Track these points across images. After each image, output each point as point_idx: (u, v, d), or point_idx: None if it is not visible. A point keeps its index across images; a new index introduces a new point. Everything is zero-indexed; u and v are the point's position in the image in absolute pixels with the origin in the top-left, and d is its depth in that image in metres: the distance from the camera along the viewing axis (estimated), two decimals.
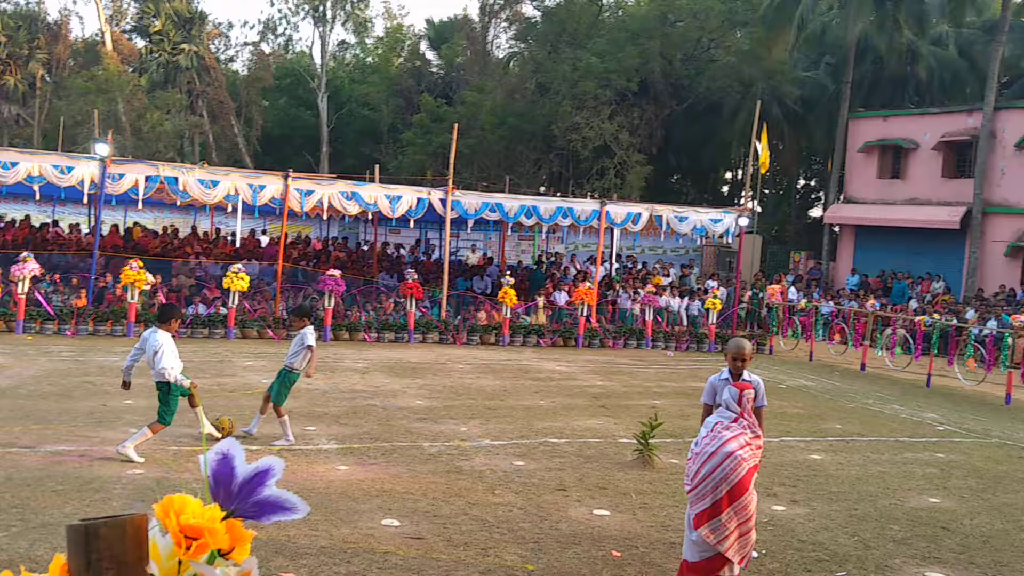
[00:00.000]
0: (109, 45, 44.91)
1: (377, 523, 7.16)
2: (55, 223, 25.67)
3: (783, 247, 39.82)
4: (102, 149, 19.18)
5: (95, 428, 9.99)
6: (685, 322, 23.86)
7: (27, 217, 25.87)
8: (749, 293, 27.05)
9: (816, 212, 43.68)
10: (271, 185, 20.12)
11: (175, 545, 0.94)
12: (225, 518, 1.01)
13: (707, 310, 23.00)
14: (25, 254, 18.33)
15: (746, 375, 6.69)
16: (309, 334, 10.19)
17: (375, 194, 20.99)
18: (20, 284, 17.99)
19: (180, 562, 0.95)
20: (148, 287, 18.97)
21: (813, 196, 46.28)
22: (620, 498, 8.35)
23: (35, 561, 5.73)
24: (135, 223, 28.08)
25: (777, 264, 36.51)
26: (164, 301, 18.77)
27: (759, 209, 37.98)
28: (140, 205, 21.00)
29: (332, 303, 19.80)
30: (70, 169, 18.74)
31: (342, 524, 7.08)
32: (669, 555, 6.73)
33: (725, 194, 45.07)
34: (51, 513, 6.85)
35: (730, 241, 27.11)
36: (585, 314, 21.60)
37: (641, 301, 22.90)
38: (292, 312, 11.62)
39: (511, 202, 22.36)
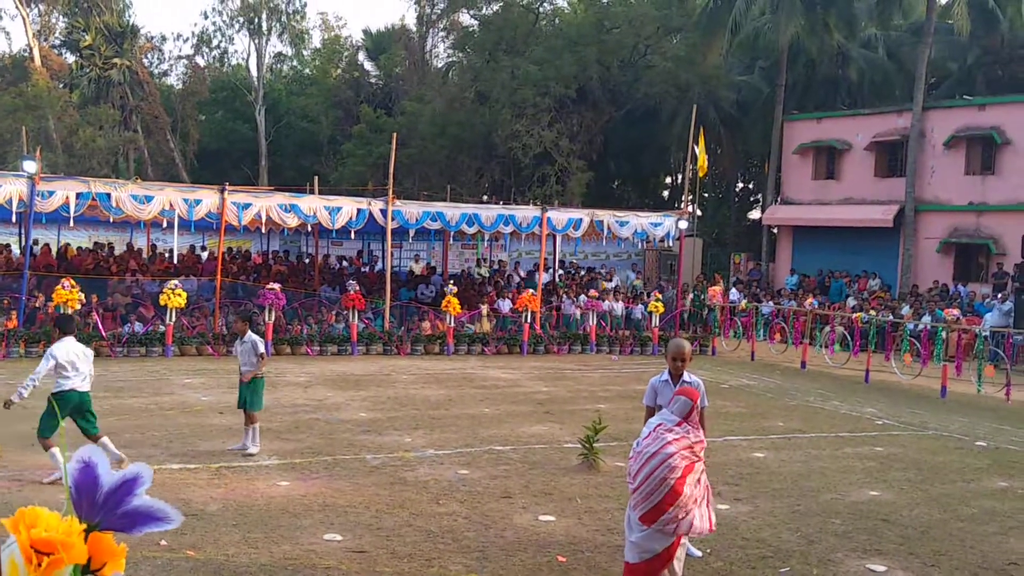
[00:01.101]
0: (38, 61, 43.81)
1: (319, 538, 7.03)
2: None
3: (724, 249, 40.36)
4: (30, 166, 18.67)
5: (28, 452, 9.66)
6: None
7: None
8: (691, 295, 27.32)
9: (755, 214, 44.36)
10: (207, 199, 19.78)
11: (25, 561, 0.87)
12: (88, 531, 0.94)
13: (650, 313, 23.17)
14: None
15: (687, 375, 6.71)
16: (259, 342, 10.35)
17: (314, 206, 20.76)
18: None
19: None
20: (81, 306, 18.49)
21: (751, 198, 47.01)
22: (565, 503, 8.33)
23: None
24: (67, 244, 27.41)
25: (718, 266, 36.97)
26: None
27: (699, 212, 38.43)
28: (72, 223, 20.48)
29: (273, 317, 19.52)
30: None
31: (283, 540, 6.94)
32: (614, 558, 6.71)
33: (666, 198, 45.58)
34: None
35: (671, 244, 27.38)
36: (529, 321, 21.60)
37: (584, 306, 22.98)
38: (237, 315, 11.60)
39: (452, 211, 22.30)
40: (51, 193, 18.53)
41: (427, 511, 7.89)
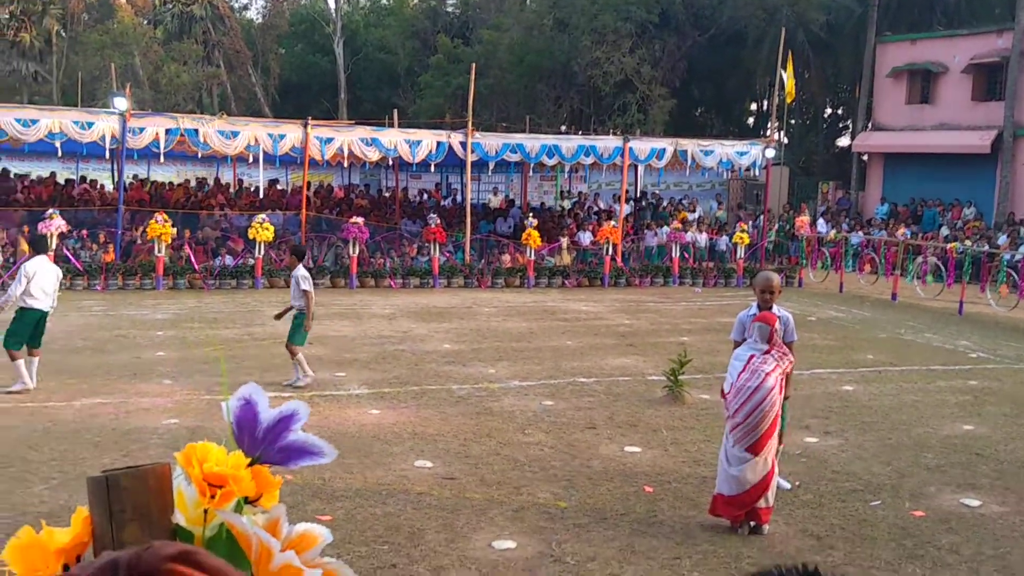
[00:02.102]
0: None
1: (410, 464, 7.21)
2: (83, 179, 25.76)
3: (811, 178, 39.27)
4: (120, 103, 19.14)
5: (129, 381, 10.11)
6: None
7: (52, 174, 25.96)
8: (777, 226, 26.76)
9: (844, 141, 42.93)
10: (291, 134, 20.03)
11: (199, 494, 0.91)
12: (250, 465, 0.97)
13: (735, 245, 22.80)
14: (51, 211, 18.43)
15: (775, 309, 6.62)
16: (303, 278, 10.28)
17: (395, 139, 20.85)
18: (48, 240, 18.11)
19: (206, 511, 0.92)
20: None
21: (841, 125, 45.42)
22: (650, 435, 8.36)
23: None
24: (173, 182, 28.12)
25: (805, 196, 36.04)
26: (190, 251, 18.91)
27: (786, 140, 37.40)
28: (162, 158, 21.04)
29: (356, 251, 19.81)
30: (90, 124, 18.73)
31: (376, 467, 7.14)
32: (701, 489, 6.73)
33: (751, 126, 44.38)
34: (89, 465, 6.95)
35: (757, 174, 26.78)
36: (610, 253, 21.48)
37: (667, 238, 22.73)
38: (289, 249, 11.75)
39: (532, 142, 22.14)
40: (141, 130, 18.99)
41: (513, 440, 8.01)
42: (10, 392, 9.17)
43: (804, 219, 27.13)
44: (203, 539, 0.90)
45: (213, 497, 0.90)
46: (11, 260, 18.94)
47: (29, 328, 9.44)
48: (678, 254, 22.24)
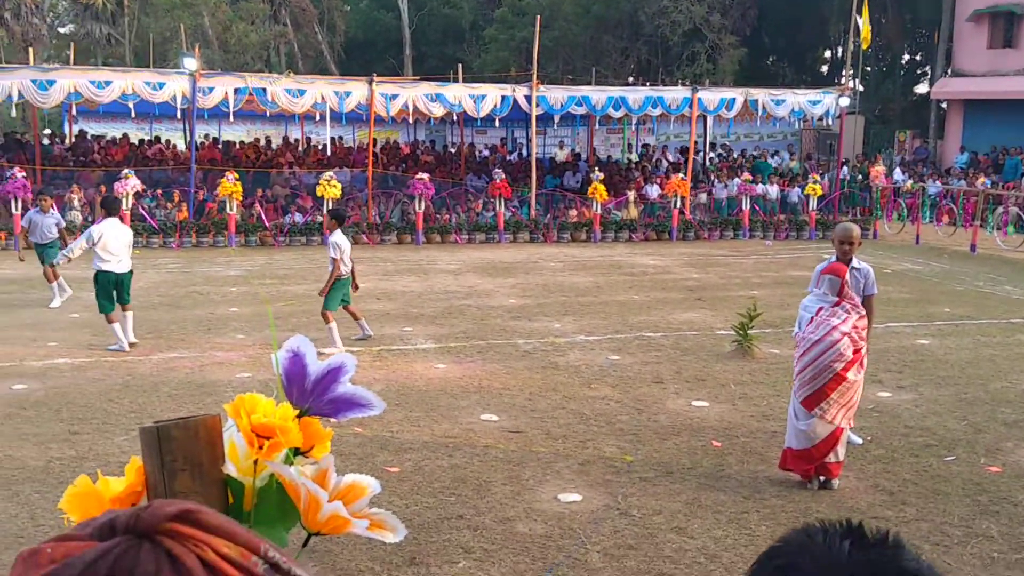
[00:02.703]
0: None
1: (476, 418, 7.28)
2: (156, 139, 26.31)
3: (887, 126, 38.06)
4: (190, 63, 19.42)
5: (204, 336, 10.37)
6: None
7: (125, 135, 26.56)
8: (851, 176, 26.05)
9: (922, 88, 41.42)
10: (356, 91, 20.11)
11: (248, 445, 0.91)
12: (299, 416, 0.97)
13: (807, 196, 22.29)
14: (126, 171, 18.88)
15: (855, 261, 6.47)
16: (334, 244, 10.03)
17: (459, 94, 20.77)
18: (124, 200, 18.59)
19: (256, 462, 0.92)
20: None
21: (919, 71, 43.80)
22: (719, 389, 8.28)
23: None
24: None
25: (881, 145, 34.98)
26: (261, 210, 19.19)
27: (861, 88, 36.19)
28: (231, 117, 21.33)
29: (423, 207, 19.91)
30: (162, 85, 19.06)
31: (443, 420, 7.22)
32: (770, 444, 6.66)
33: (824, 74, 43.07)
34: (167, 418, 7.17)
35: (830, 123, 26.06)
36: (679, 206, 21.19)
37: (737, 190, 22.32)
38: (328, 212, 11.77)
39: (598, 94, 21.86)
40: (211, 89, 19.26)
41: (579, 395, 8.01)
42: (110, 350, 9.47)
43: (879, 169, 26.35)
44: (253, 489, 0.91)
45: (261, 448, 0.90)
46: (89, 219, 19.49)
47: (107, 290, 9.61)
48: (748, 206, 21.84)
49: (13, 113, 24.74)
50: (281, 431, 0.90)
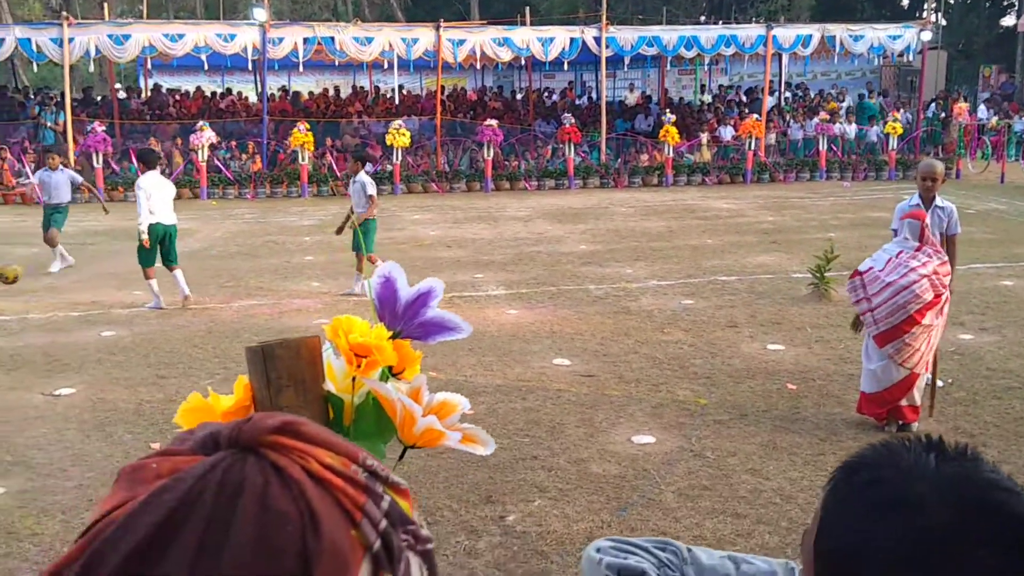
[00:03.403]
0: None
1: (549, 362, 7.33)
2: (228, 91, 26.69)
3: (971, 61, 36.54)
4: (260, 14, 19.59)
5: (281, 283, 10.60)
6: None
7: (198, 88, 26.99)
8: (933, 114, 25.15)
9: (1008, 20, 39.56)
10: (423, 38, 20.06)
11: (346, 364, 0.94)
12: (392, 338, 1.00)
13: (886, 135, 21.62)
14: (201, 123, 19.24)
15: (939, 200, 6.29)
16: (369, 184, 10.05)
17: (527, 38, 20.57)
18: (200, 152, 18.98)
19: (354, 380, 0.96)
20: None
21: (1005, 3, 41.81)
22: (794, 332, 8.17)
23: None
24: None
25: (964, 81, 33.63)
26: (331, 161, 19.37)
27: (943, 21, 34.77)
28: (301, 67, 21.51)
29: (491, 153, 19.88)
30: (232, 37, 19.29)
31: (515, 364, 7.29)
32: (847, 387, 6.57)
33: (905, 7, 41.42)
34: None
35: (911, 59, 25.12)
36: (753, 148, 20.76)
37: (813, 130, 21.76)
38: (351, 153, 11.65)
39: (669, 34, 21.41)
40: (280, 40, 19.42)
41: (652, 339, 8.00)
42: (148, 308, 9.28)
43: (963, 106, 25.37)
44: (352, 405, 0.95)
45: (360, 366, 0.93)
46: (167, 172, 19.97)
47: (153, 242, 9.25)
48: (826, 147, 21.29)
49: (91, 68, 25.33)
50: (377, 350, 0.93)
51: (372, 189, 10.05)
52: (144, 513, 0.42)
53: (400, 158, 19.73)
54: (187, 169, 19.90)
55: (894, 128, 21.15)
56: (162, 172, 19.68)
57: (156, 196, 9.23)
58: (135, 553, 0.41)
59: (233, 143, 21.72)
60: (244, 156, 21.09)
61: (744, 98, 27.28)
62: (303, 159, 19.31)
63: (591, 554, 1.04)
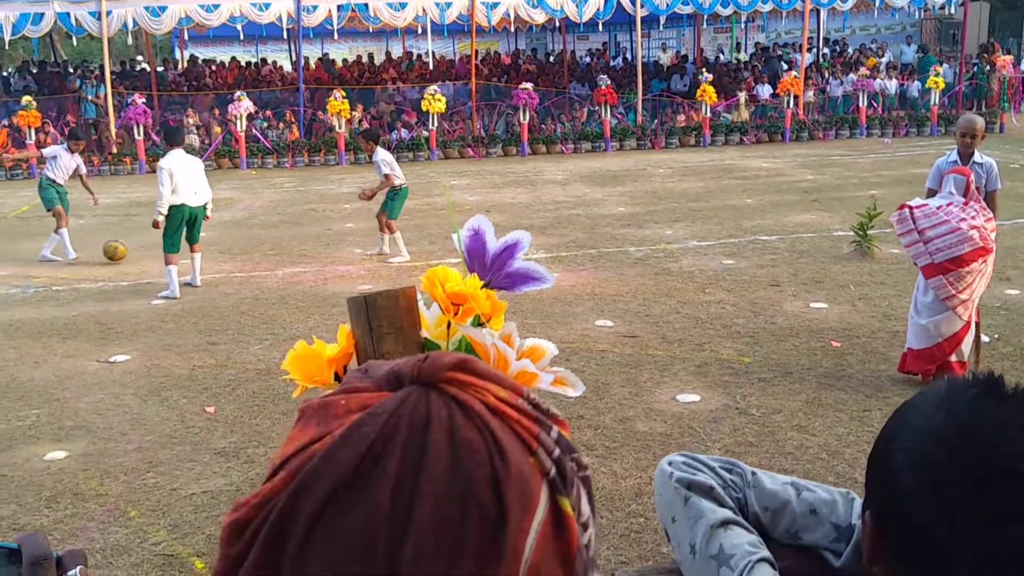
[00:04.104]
0: None
1: (591, 324, 7.38)
2: (264, 61, 26.81)
3: (1015, 12, 35.57)
4: None
5: (324, 251, 10.73)
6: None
7: (234, 59, 27.13)
8: (976, 68, 24.60)
9: None
10: (457, 1, 19.97)
11: (443, 311, 1.00)
12: (482, 288, 1.06)
13: (928, 90, 21.21)
14: (239, 93, 19.37)
15: (978, 156, 6.22)
16: (383, 162, 10.02)
17: None
18: (238, 122, 19.14)
19: (449, 325, 1.01)
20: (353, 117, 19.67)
21: None
22: (838, 291, 8.14)
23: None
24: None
25: (1009, 33, 32.78)
26: (368, 126, 19.44)
27: None
28: (335, 35, 21.52)
29: (527, 117, 19.82)
30: (267, 6, 19.34)
31: (558, 326, 7.35)
32: (892, 343, 6.56)
33: None
34: (297, 328, 7.53)
35: (953, 11, 24.53)
36: (792, 106, 20.49)
37: (853, 86, 21.41)
38: (360, 135, 11.57)
39: None
40: (314, 7, 19.44)
41: (694, 299, 8.01)
42: (161, 297, 8.80)
43: (1006, 59, 24.76)
44: (447, 351, 1.01)
45: (456, 314, 0.99)
46: (206, 143, 20.17)
47: (177, 225, 8.94)
48: (866, 103, 20.95)
49: (129, 40, 25.54)
50: (472, 298, 0.99)
51: (387, 168, 10.04)
52: (346, 445, 0.46)
53: (436, 124, 19.75)
54: (226, 139, 20.08)
55: (936, 83, 20.74)
56: (201, 144, 19.94)
57: (180, 176, 8.79)
58: (341, 481, 0.45)
59: (270, 113, 21.86)
60: (282, 125, 21.23)
61: (781, 55, 26.85)
62: (340, 127, 19.39)
63: (663, 467, 1.10)
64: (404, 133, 20.86)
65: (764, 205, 12.58)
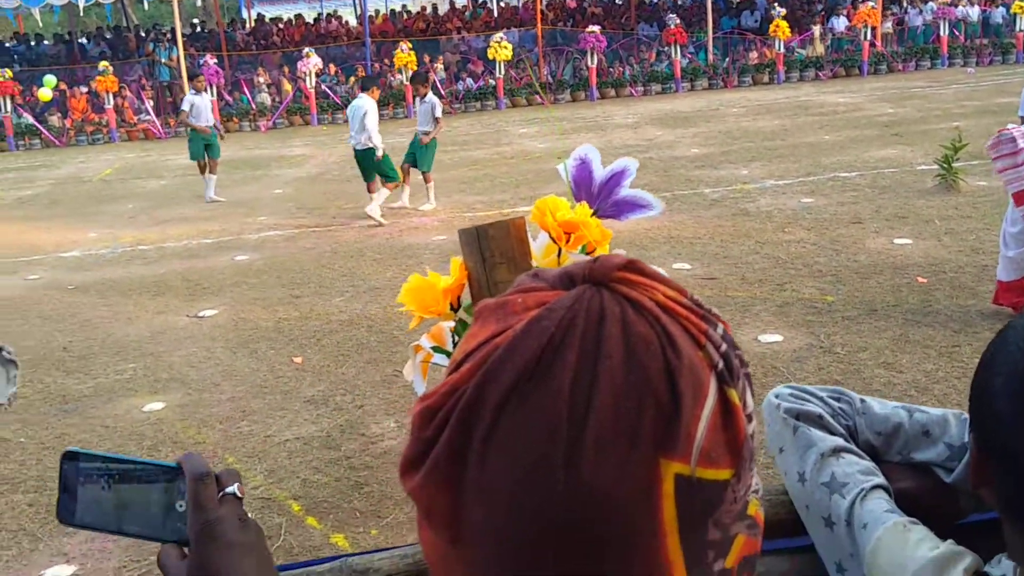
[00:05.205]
0: None
1: (669, 267, 7.32)
2: (328, 16, 26.91)
3: None
4: None
5: (398, 202, 10.82)
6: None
7: (299, 16, 27.28)
8: None
9: None
10: None
11: (554, 239, 1.02)
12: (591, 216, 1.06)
13: (1014, 16, 20.24)
14: (307, 50, 19.50)
15: None
16: (438, 105, 10.32)
17: None
18: (307, 79, 19.30)
19: (559, 253, 1.03)
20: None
21: None
22: (922, 226, 7.92)
23: (371, 319, 6.49)
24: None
25: None
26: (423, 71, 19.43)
27: None
28: None
29: (595, 61, 19.55)
30: None
31: None
32: (981, 278, 6.37)
33: None
34: (375, 279, 7.64)
35: None
36: (869, 38, 19.79)
37: (933, 15, 20.55)
38: (413, 78, 11.62)
39: None
40: None
41: (773, 239, 7.88)
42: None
43: None
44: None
45: (568, 241, 1.01)
46: (277, 101, 20.41)
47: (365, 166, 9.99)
48: (947, 32, 20.10)
49: (198, 2, 25.86)
50: (584, 225, 1.00)
51: (439, 111, 10.35)
52: (528, 336, 0.48)
53: (502, 72, 19.61)
54: (296, 97, 20.28)
55: (1021, 7, 19.78)
56: (272, 102, 20.19)
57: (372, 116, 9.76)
58: (525, 370, 0.48)
59: (336, 68, 21.98)
60: (352, 80, 21.35)
61: None
62: (406, 79, 19.41)
63: (771, 399, 1.10)
64: (470, 83, 20.79)
65: (843, 141, 12.25)
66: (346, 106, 19.77)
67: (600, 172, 1.11)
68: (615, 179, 1.10)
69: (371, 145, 9.74)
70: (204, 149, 11.94)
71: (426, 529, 0.53)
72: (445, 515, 0.51)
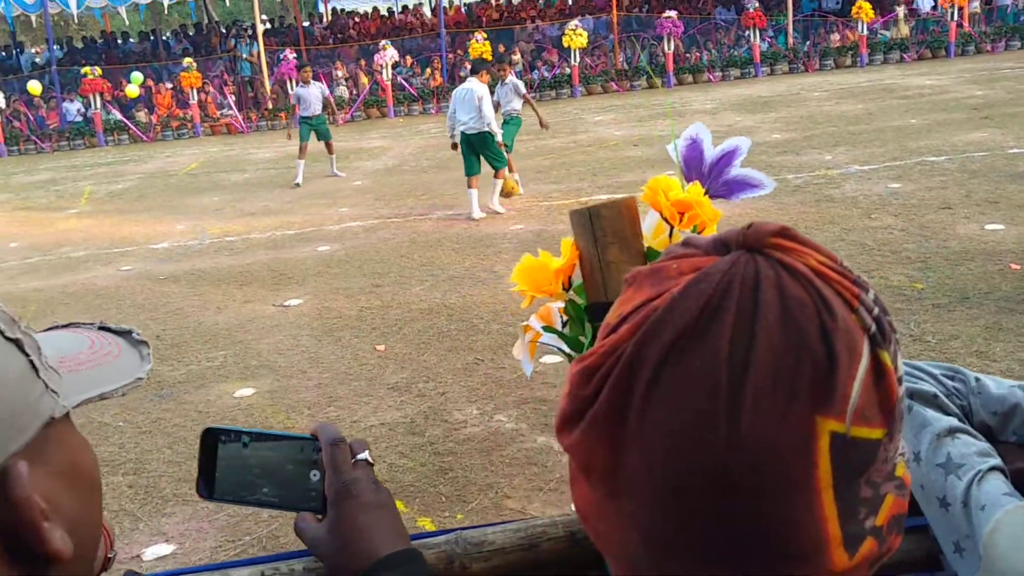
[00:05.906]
0: None
1: None
2: (403, 8, 27.16)
3: None
4: None
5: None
6: None
7: (375, 8, 27.58)
8: None
9: None
10: None
11: (667, 219, 1.02)
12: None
13: None
14: (383, 43, 19.72)
15: None
16: (520, 83, 10.50)
17: None
18: (384, 72, 19.53)
19: (671, 233, 1.03)
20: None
21: None
22: (1015, 211, 7.65)
23: (450, 307, 6.55)
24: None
25: None
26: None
27: None
28: None
29: (672, 47, 19.33)
30: None
31: None
32: None
33: None
34: (454, 269, 7.71)
35: None
36: (956, 19, 19.14)
37: None
38: (497, 60, 11.66)
39: None
40: None
41: (859, 225, 7.70)
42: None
43: None
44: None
45: (681, 220, 1.01)
46: (355, 93, 20.70)
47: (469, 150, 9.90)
48: None
49: None
50: (697, 204, 1.00)
51: (524, 88, 10.75)
52: (686, 298, 0.50)
53: (578, 59, 19.54)
54: (372, 89, 20.53)
55: None
56: (350, 95, 20.47)
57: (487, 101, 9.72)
58: (684, 330, 0.49)
59: (412, 60, 22.17)
60: (428, 71, 21.51)
61: None
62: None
63: None
64: (545, 72, 20.76)
65: (930, 125, 11.89)
66: (422, 96, 19.98)
67: (711, 152, 1.10)
68: (726, 158, 1.10)
69: (487, 129, 9.66)
70: (312, 134, 12.66)
71: (582, 483, 0.55)
72: (603, 469, 0.52)
